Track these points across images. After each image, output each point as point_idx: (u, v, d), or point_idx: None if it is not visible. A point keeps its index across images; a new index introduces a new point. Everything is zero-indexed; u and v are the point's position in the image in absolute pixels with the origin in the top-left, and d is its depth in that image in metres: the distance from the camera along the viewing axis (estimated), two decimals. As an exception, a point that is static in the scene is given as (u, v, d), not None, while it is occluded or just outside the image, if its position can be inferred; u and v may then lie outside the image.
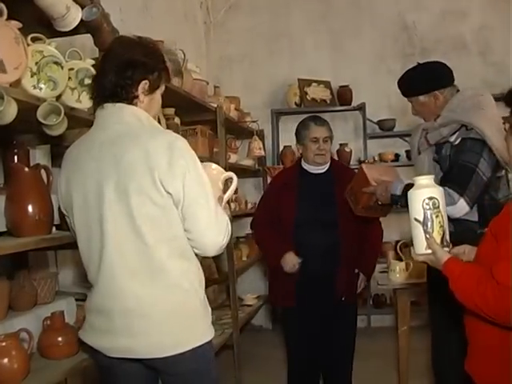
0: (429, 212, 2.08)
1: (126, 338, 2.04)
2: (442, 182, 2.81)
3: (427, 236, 2.07)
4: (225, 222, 2.06)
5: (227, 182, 2.35)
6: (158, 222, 1.98)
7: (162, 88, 2.20)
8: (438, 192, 2.13)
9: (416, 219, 2.10)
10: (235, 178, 2.35)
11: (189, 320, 2.07)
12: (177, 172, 1.94)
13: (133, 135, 2.02)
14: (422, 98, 3.03)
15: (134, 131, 2.03)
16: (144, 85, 2.09)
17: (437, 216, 2.08)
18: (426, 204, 2.08)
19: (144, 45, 2.15)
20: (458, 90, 3.03)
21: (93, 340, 2.14)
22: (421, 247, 2.10)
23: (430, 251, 2.08)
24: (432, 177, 2.18)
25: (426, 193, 2.11)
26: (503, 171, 2.88)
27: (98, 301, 2.10)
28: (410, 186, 2.88)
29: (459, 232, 2.88)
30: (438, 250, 2.06)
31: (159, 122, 3.61)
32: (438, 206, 2.09)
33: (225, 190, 2.33)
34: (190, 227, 2.00)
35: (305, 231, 3.46)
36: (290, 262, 3.45)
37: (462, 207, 2.75)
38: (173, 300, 2.03)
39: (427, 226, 2.08)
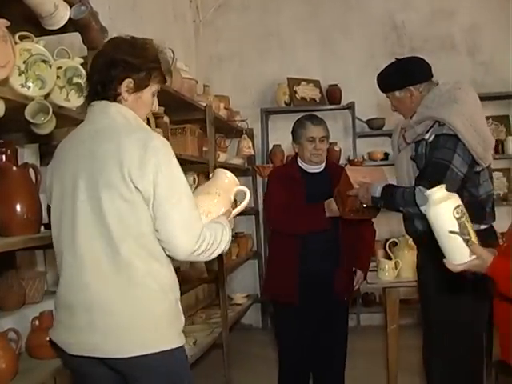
0: (461, 220, 2.06)
1: (89, 333, 1.99)
2: (416, 181, 2.83)
3: (469, 244, 2.06)
4: (199, 229, 1.98)
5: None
6: (127, 218, 1.96)
7: (153, 88, 2.16)
8: (457, 198, 2.12)
9: (452, 231, 2.07)
10: (248, 193, 2.32)
11: (155, 322, 2.00)
12: (148, 170, 1.92)
13: (113, 131, 2.01)
14: (397, 93, 3.02)
15: (116, 127, 2.03)
16: (128, 83, 2.07)
17: (468, 221, 2.07)
18: (457, 213, 2.06)
19: (133, 44, 2.13)
20: (437, 85, 3.02)
21: (58, 335, 2.10)
22: (464, 256, 2.07)
23: (473, 257, 2.07)
24: (443, 186, 2.16)
25: (451, 203, 2.08)
26: (482, 166, 2.87)
27: (63, 295, 2.07)
28: (388, 186, 2.92)
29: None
30: (483, 252, 2.06)
31: (148, 121, 3.61)
32: (464, 212, 2.08)
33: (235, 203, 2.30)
34: (160, 227, 1.96)
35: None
36: (333, 205, 3.37)
37: None
38: (138, 298, 1.98)
39: (464, 234, 2.06)
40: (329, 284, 3.49)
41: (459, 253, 2.08)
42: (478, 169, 2.85)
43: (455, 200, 2.09)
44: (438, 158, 2.77)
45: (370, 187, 2.98)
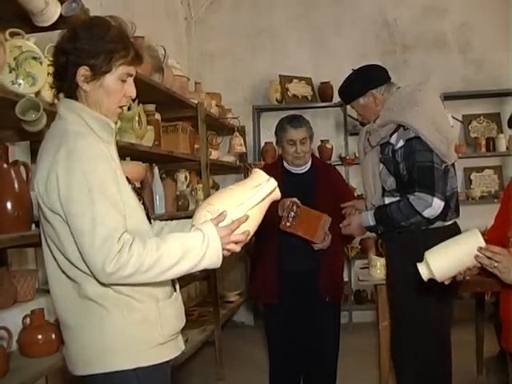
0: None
1: (64, 349, 1.97)
2: (408, 190, 2.87)
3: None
4: (112, 245, 1.68)
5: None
6: (54, 238, 1.83)
7: (119, 72, 1.87)
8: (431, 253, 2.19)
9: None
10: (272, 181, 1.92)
11: (103, 339, 1.83)
12: (50, 186, 1.75)
13: (53, 137, 1.85)
14: (361, 100, 3.08)
15: (57, 133, 1.85)
16: (84, 71, 1.82)
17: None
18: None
19: (89, 26, 1.87)
20: (398, 88, 3.07)
21: None
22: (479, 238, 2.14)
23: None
24: (421, 267, 2.20)
25: (438, 259, 2.16)
26: (446, 164, 2.93)
27: None
28: (377, 210, 3.01)
29: (399, 231, 2.95)
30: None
31: (140, 118, 3.60)
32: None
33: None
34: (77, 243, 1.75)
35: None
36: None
37: (438, 205, 2.82)
38: (85, 314, 1.83)
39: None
40: (312, 284, 3.46)
41: (470, 237, 2.15)
42: (448, 164, 2.93)
43: (434, 254, 2.17)
44: (420, 162, 2.85)
45: (359, 221, 3.12)
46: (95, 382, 1.86)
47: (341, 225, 3.24)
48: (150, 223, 2.03)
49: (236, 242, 1.87)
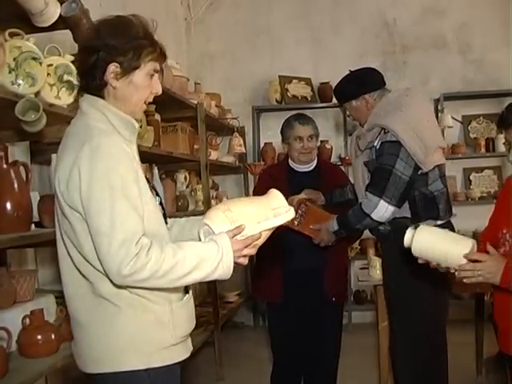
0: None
1: (73, 344, 1.97)
2: (365, 188, 2.97)
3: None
4: (130, 247, 1.68)
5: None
6: (71, 236, 1.82)
7: (148, 68, 1.91)
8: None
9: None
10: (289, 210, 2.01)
11: (115, 338, 1.83)
12: (72, 183, 1.74)
13: (74, 134, 1.84)
14: (354, 102, 3.14)
15: (77, 131, 1.85)
16: (114, 68, 1.84)
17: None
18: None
19: (115, 24, 1.90)
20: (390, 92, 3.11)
21: None
22: (468, 240, 2.18)
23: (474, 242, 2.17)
24: (409, 232, 2.24)
25: (425, 227, 2.25)
26: (423, 170, 2.94)
27: None
28: (339, 215, 3.10)
29: (394, 230, 2.95)
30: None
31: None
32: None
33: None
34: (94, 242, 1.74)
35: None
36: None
37: (384, 208, 2.87)
38: (99, 310, 1.83)
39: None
40: (317, 283, 3.46)
41: (462, 241, 2.16)
42: (425, 171, 2.93)
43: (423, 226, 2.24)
44: (381, 164, 2.90)
45: (327, 227, 3.17)
46: (104, 381, 1.87)
47: (314, 241, 3.30)
48: (167, 223, 2.03)
49: (245, 255, 1.94)
